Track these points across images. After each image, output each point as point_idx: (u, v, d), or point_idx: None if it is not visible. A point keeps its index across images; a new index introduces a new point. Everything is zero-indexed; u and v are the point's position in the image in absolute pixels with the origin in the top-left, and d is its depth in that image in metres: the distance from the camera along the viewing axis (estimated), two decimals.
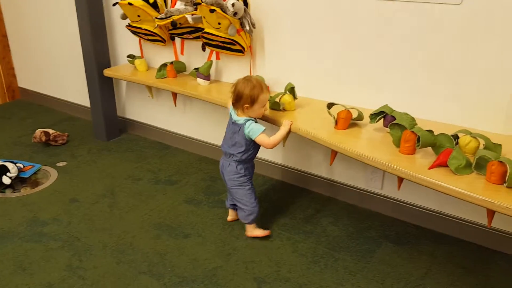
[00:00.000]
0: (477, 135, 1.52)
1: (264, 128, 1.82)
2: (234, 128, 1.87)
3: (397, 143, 1.60)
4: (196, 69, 2.45)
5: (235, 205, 2.02)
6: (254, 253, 1.91)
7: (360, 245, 1.95)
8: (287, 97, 2.02)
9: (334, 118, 1.81)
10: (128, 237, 2.01)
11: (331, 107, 1.87)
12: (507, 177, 1.32)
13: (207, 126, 2.72)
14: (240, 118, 1.85)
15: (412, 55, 1.85)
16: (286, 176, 2.49)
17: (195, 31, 2.36)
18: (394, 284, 1.72)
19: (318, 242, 1.97)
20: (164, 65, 2.55)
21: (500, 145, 1.50)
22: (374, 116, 1.77)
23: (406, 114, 1.67)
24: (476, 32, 1.69)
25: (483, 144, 1.50)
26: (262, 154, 2.56)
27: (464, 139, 1.53)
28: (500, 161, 1.34)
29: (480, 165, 1.40)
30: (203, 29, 2.23)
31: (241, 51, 2.22)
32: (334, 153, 1.84)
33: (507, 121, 1.70)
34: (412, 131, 1.54)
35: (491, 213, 1.43)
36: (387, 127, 1.71)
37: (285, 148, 2.32)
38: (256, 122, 1.86)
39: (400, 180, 1.66)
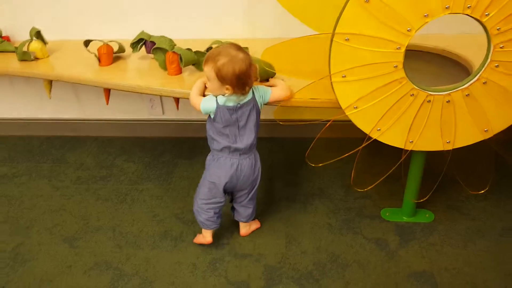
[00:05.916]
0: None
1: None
2: (245, 111, 1.44)
3: (164, 66, 1.67)
4: None
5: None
6: (56, 216, 1.80)
7: (159, 170, 2.05)
8: (36, 44, 1.81)
9: (95, 55, 1.74)
10: None
11: (88, 44, 1.78)
12: (258, 73, 1.55)
13: None
14: (246, 96, 1.43)
15: None
16: (61, 128, 2.32)
17: None
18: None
19: (119, 182, 1.98)
20: None
21: (247, 48, 1.72)
22: (135, 44, 1.77)
23: (163, 37, 1.72)
24: None
25: None
26: (22, 113, 2.30)
27: None
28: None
29: None
30: None
31: None
32: (107, 91, 1.80)
33: (248, 26, 1.94)
34: (174, 52, 1.62)
35: None
36: (150, 53, 1.74)
37: (51, 100, 2.13)
38: None
39: (177, 100, 1.77)
